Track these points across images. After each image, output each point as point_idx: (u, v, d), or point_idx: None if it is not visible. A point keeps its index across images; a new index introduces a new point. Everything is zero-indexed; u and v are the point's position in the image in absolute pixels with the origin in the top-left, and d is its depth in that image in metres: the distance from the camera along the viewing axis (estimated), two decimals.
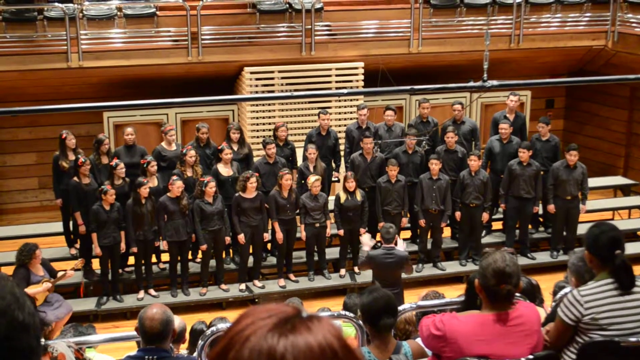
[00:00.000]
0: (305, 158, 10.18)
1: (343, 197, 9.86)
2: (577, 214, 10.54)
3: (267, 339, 1.14)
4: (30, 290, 8.18)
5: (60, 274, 8.47)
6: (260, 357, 1.12)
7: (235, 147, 10.11)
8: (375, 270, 7.94)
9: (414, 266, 10.39)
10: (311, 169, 10.02)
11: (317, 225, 9.81)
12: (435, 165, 10.01)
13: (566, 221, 10.62)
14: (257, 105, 11.39)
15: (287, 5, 11.62)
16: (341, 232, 9.94)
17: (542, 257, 10.82)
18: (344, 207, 9.86)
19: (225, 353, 1.16)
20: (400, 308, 4.87)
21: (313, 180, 9.62)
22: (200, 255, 9.83)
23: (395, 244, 7.91)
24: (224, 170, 9.85)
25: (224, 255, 9.99)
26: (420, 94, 11.22)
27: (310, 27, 11.36)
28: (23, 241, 8.57)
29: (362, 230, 9.87)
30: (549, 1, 12.62)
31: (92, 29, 11.05)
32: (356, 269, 10.10)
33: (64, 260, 9.90)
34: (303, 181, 10.11)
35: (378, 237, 8.84)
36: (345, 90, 10.26)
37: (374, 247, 7.96)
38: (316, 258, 10.16)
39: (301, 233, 9.87)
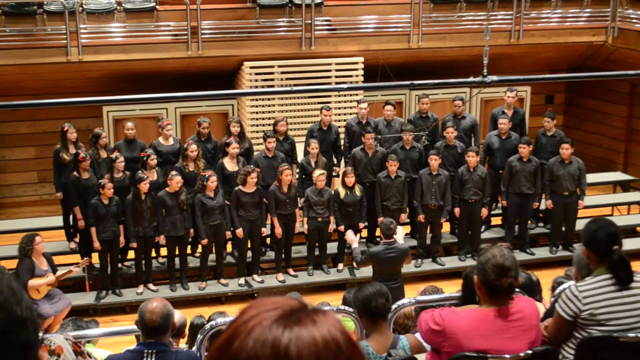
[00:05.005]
0: (306, 153, 10.18)
1: (342, 192, 9.86)
2: (575, 210, 10.55)
3: (272, 330, 1.14)
4: (35, 282, 8.20)
5: (61, 271, 8.47)
6: (264, 348, 1.13)
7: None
8: (376, 266, 7.94)
9: (413, 261, 10.42)
10: (313, 164, 10.03)
11: (320, 219, 9.81)
12: (434, 160, 10.01)
13: (565, 217, 10.64)
14: (256, 100, 11.39)
15: (287, 0, 11.61)
16: (342, 227, 9.94)
17: (541, 252, 10.82)
18: (343, 202, 9.86)
19: (230, 343, 1.16)
20: (399, 303, 4.90)
21: (318, 174, 9.62)
22: (200, 249, 9.83)
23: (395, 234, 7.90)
24: (230, 165, 9.84)
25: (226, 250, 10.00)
26: (420, 89, 11.21)
27: (310, 21, 11.35)
28: (22, 235, 8.57)
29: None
30: None
31: (92, 23, 11.04)
32: (354, 264, 10.10)
33: (63, 254, 9.90)
34: (304, 176, 10.10)
35: (377, 233, 8.82)
36: (345, 85, 10.20)
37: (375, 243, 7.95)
38: (317, 253, 10.18)
39: (304, 226, 9.88)
